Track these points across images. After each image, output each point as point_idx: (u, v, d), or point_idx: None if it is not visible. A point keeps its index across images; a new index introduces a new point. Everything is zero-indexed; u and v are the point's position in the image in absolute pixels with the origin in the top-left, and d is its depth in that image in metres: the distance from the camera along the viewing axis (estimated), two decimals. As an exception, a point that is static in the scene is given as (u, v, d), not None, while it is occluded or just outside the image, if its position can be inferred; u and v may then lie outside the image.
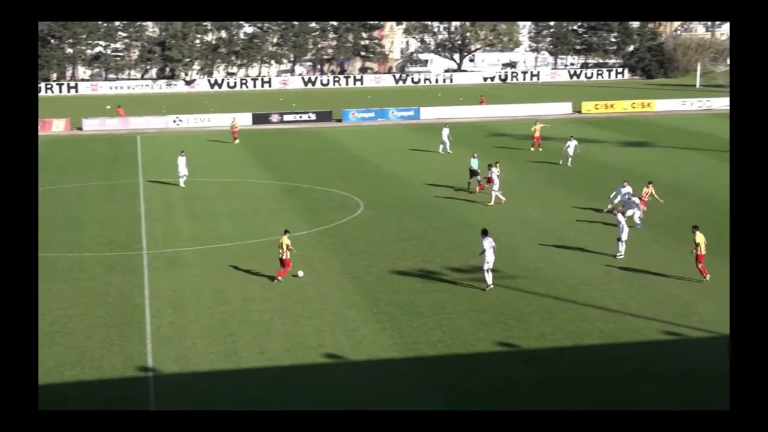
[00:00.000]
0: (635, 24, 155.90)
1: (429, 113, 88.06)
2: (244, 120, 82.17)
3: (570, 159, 55.92)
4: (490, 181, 45.72)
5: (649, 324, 27.48)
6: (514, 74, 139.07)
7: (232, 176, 55.35)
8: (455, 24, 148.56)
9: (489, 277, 30.99)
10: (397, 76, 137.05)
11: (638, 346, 25.90)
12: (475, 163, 49.29)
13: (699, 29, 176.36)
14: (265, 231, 40.01)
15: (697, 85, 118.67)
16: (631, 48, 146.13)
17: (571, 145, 56.22)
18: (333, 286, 31.88)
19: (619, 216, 35.16)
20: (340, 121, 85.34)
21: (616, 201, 41.74)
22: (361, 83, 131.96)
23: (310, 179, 53.26)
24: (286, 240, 32.34)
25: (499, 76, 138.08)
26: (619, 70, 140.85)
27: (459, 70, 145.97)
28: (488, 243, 31.03)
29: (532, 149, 62.57)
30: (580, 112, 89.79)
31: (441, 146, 62.91)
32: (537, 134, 63.28)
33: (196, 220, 42.99)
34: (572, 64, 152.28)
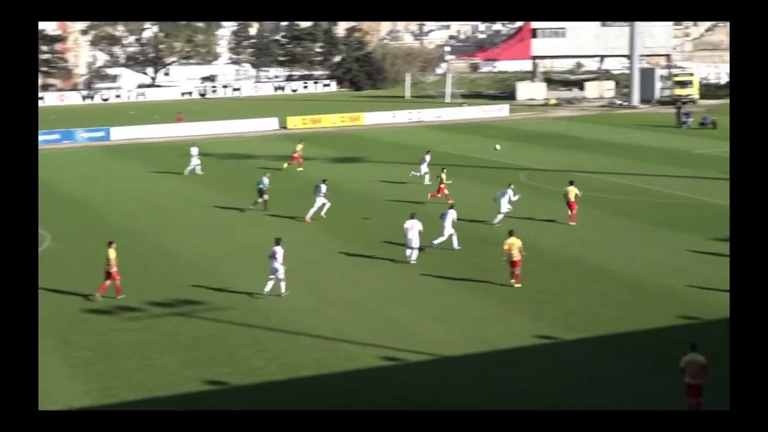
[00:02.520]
0: (341, 33, 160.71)
1: (121, 133, 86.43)
2: None
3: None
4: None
5: (366, 350, 28.46)
6: (214, 88, 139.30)
7: None
8: (147, 35, 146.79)
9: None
10: (84, 93, 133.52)
11: (354, 374, 26.76)
12: (265, 181, 49.70)
13: (407, 38, 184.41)
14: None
15: (407, 96, 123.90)
16: (337, 58, 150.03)
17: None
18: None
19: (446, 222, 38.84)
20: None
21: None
22: (43, 101, 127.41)
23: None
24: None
25: (198, 90, 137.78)
26: (326, 81, 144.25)
27: (153, 85, 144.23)
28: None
29: (285, 165, 63.46)
30: (286, 127, 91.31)
31: (188, 169, 62.56)
32: (297, 153, 64.41)
33: None
34: (276, 76, 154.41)
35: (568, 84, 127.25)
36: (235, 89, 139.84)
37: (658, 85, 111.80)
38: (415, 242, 37.93)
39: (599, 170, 57.01)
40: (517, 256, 34.65)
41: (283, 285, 33.72)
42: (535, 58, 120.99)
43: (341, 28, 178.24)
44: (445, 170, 51.66)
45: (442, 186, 50.16)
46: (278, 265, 33.46)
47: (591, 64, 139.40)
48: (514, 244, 34.87)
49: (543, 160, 65.90)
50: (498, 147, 56.79)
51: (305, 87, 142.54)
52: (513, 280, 34.85)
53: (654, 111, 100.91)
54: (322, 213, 46.90)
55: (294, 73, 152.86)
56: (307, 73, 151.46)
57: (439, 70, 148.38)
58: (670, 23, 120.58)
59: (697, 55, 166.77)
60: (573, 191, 45.31)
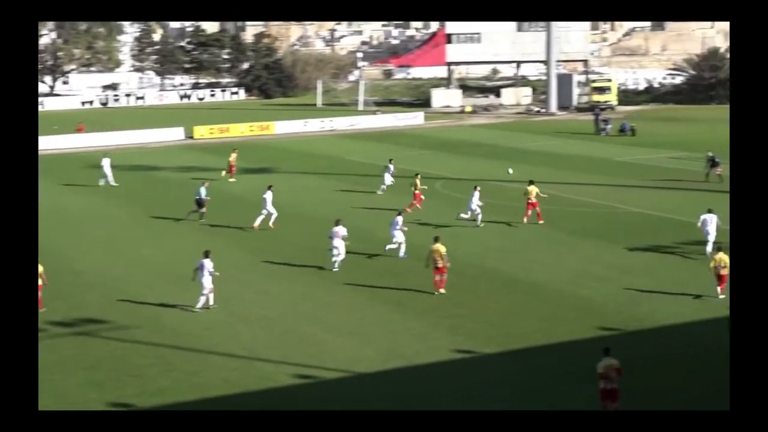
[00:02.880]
0: (249, 39, 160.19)
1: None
2: None
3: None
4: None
5: (279, 368, 28.42)
6: (117, 97, 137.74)
7: None
8: (44, 42, 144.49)
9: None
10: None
11: (267, 393, 26.70)
12: (203, 192, 49.81)
13: (318, 44, 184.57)
14: None
15: (319, 104, 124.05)
16: (245, 65, 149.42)
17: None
18: None
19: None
20: None
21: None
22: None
23: None
24: None
25: (100, 99, 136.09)
26: (234, 89, 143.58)
27: (52, 94, 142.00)
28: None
29: (223, 174, 63.30)
30: (192, 137, 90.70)
31: (102, 180, 62.35)
32: (233, 163, 64.48)
33: None
34: (182, 84, 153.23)
35: (484, 91, 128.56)
36: (138, 98, 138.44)
37: (575, 91, 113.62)
38: (342, 249, 38.84)
39: (517, 179, 57.68)
40: (441, 263, 35.30)
41: (211, 297, 34.18)
42: (450, 64, 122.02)
43: (249, 33, 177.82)
44: (419, 176, 52.93)
45: (417, 192, 51.36)
46: (206, 278, 33.91)
47: (507, 71, 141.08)
48: (439, 250, 35.52)
49: (459, 168, 66.52)
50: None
51: (212, 95, 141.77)
52: (440, 289, 35.59)
53: (572, 118, 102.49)
54: (270, 223, 47.22)
55: (200, 80, 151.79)
56: (214, 80, 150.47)
57: (351, 77, 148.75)
58: (587, 28, 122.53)
59: (615, 60, 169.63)
60: (534, 191, 47.26)
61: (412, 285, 36.68)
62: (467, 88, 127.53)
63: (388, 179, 57.24)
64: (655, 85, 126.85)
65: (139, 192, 59.83)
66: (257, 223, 47.17)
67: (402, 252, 40.66)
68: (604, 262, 39.97)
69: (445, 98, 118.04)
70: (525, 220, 46.97)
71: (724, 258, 33.71)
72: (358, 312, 33.79)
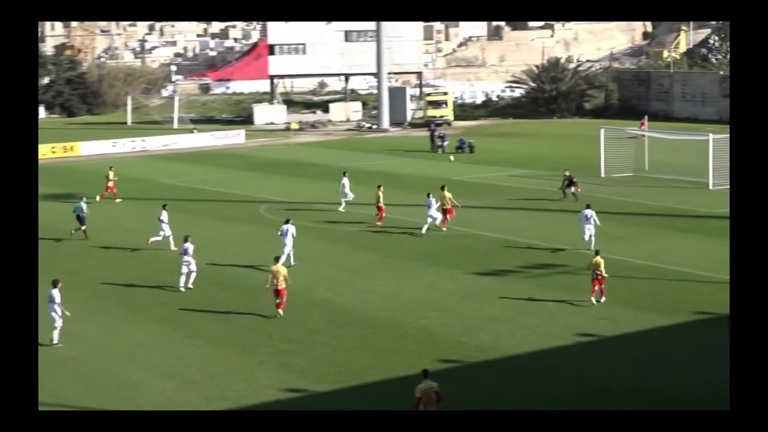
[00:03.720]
0: (49, 51, 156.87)
1: None
2: None
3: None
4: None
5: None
6: None
7: None
8: None
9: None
10: None
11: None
12: (83, 207, 50.51)
13: (127, 56, 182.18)
14: None
15: (129, 123, 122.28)
16: (46, 80, 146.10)
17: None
18: None
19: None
20: None
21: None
22: None
23: None
24: None
25: None
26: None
27: None
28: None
29: (98, 199, 62.41)
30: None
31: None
32: (112, 182, 64.03)
33: None
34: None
35: (311, 106, 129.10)
36: None
37: (409, 105, 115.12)
38: (193, 266, 41.14)
39: (347, 201, 58.15)
40: (282, 284, 36.36)
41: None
42: (273, 77, 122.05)
43: (49, 45, 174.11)
44: (381, 187, 54.68)
45: (381, 205, 53.24)
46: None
47: (336, 84, 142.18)
48: (280, 271, 36.47)
49: (285, 191, 66.61)
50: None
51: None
52: (279, 310, 36.70)
53: (406, 134, 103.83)
54: (171, 247, 47.57)
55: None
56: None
57: (165, 93, 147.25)
58: (420, 37, 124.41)
59: (451, 72, 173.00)
60: (448, 196, 51.40)
61: (236, 320, 36.56)
62: (292, 103, 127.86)
63: (349, 194, 58.61)
64: (494, 98, 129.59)
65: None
66: (152, 240, 48.42)
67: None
68: (442, 289, 40.63)
69: (268, 115, 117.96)
70: (444, 228, 50.92)
71: (599, 261, 37.66)
72: (175, 350, 33.46)
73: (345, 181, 58.64)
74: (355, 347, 33.51)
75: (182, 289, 40.53)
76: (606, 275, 37.85)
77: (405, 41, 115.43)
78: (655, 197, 60.06)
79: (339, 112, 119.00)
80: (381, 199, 53.43)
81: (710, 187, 61.62)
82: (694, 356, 31.97)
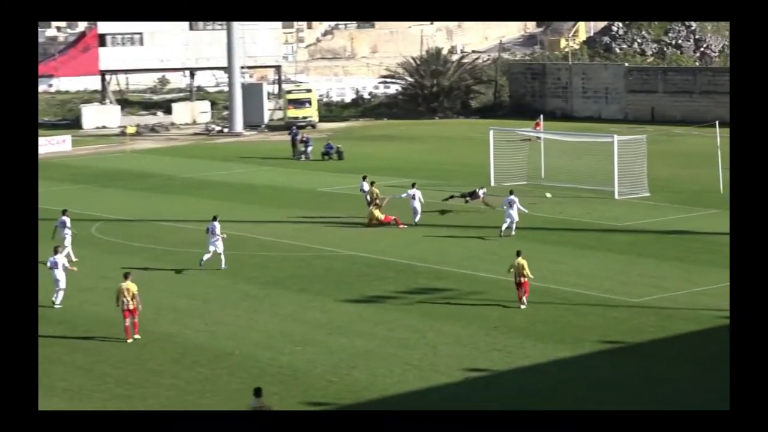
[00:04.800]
0: None
1: None
2: None
3: None
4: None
5: None
6: None
7: None
8: None
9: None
10: None
11: None
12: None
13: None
14: None
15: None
16: None
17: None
18: None
19: None
20: None
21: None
22: None
23: None
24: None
25: None
26: None
27: None
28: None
29: None
30: None
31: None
32: None
33: None
34: None
35: (150, 107, 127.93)
36: None
37: (267, 105, 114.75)
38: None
39: (194, 217, 57.71)
40: (132, 305, 37.29)
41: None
42: (104, 73, 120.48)
43: None
44: (374, 184, 57.62)
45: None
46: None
47: (180, 80, 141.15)
48: (130, 289, 37.48)
49: (121, 207, 65.85)
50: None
51: None
52: (135, 336, 37.66)
53: (263, 139, 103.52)
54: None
55: None
56: None
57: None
58: (278, 25, 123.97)
59: (315, 65, 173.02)
60: (375, 191, 56.33)
61: (65, 359, 35.98)
62: (128, 103, 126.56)
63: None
64: (365, 95, 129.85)
65: None
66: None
67: (223, 263, 48.51)
68: (307, 320, 40.54)
69: (99, 117, 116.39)
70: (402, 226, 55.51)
71: (522, 263, 40.64)
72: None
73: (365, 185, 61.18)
74: (206, 390, 33.23)
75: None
76: (531, 277, 41.04)
77: (260, 29, 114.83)
78: (553, 209, 60.77)
79: (184, 113, 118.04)
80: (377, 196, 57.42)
81: (616, 196, 62.60)
82: (599, 392, 32.39)
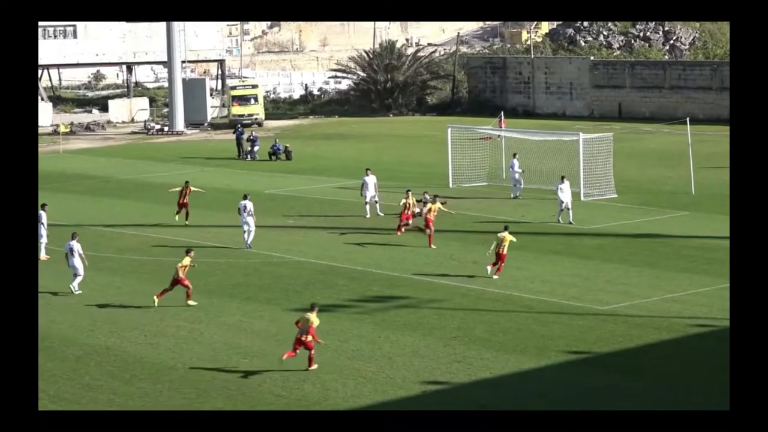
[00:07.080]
0: None
1: None
2: None
3: None
4: None
5: None
6: None
7: None
8: None
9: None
10: None
11: None
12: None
13: None
14: None
15: None
16: None
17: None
18: None
19: None
20: None
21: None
22: None
23: None
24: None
25: None
26: None
27: None
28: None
29: None
30: None
31: None
32: None
33: None
34: None
35: (84, 104, 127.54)
36: None
37: (210, 102, 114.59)
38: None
39: (133, 222, 57.56)
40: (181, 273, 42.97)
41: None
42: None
43: None
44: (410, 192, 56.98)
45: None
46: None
47: (116, 76, 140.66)
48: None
49: (54, 212, 65.36)
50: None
51: None
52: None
53: (207, 138, 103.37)
54: (43, 255, 51.31)
55: None
56: None
57: None
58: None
59: (261, 60, 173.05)
60: (409, 202, 56.01)
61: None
62: (61, 100, 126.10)
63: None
64: (315, 91, 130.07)
65: None
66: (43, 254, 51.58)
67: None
68: (254, 330, 40.50)
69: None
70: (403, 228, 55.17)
71: (506, 238, 45.38)
72: None
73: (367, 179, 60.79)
74: (146, 406, 33.13)
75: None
76: (506, 253, 45.40)
77: (202, 23, 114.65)
78: (515, 212, 60.98)
79: (120, 110, 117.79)
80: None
81: (582, 198, 62.82)
82: (565, 405, 32.51)
